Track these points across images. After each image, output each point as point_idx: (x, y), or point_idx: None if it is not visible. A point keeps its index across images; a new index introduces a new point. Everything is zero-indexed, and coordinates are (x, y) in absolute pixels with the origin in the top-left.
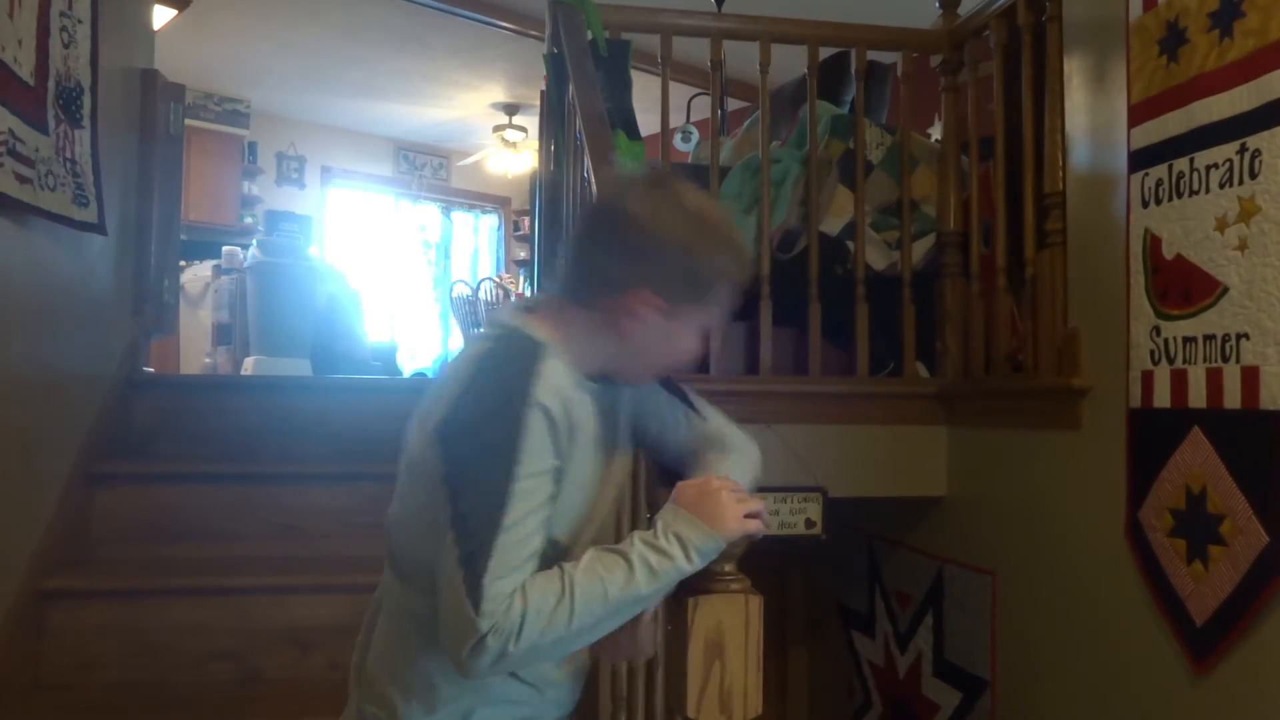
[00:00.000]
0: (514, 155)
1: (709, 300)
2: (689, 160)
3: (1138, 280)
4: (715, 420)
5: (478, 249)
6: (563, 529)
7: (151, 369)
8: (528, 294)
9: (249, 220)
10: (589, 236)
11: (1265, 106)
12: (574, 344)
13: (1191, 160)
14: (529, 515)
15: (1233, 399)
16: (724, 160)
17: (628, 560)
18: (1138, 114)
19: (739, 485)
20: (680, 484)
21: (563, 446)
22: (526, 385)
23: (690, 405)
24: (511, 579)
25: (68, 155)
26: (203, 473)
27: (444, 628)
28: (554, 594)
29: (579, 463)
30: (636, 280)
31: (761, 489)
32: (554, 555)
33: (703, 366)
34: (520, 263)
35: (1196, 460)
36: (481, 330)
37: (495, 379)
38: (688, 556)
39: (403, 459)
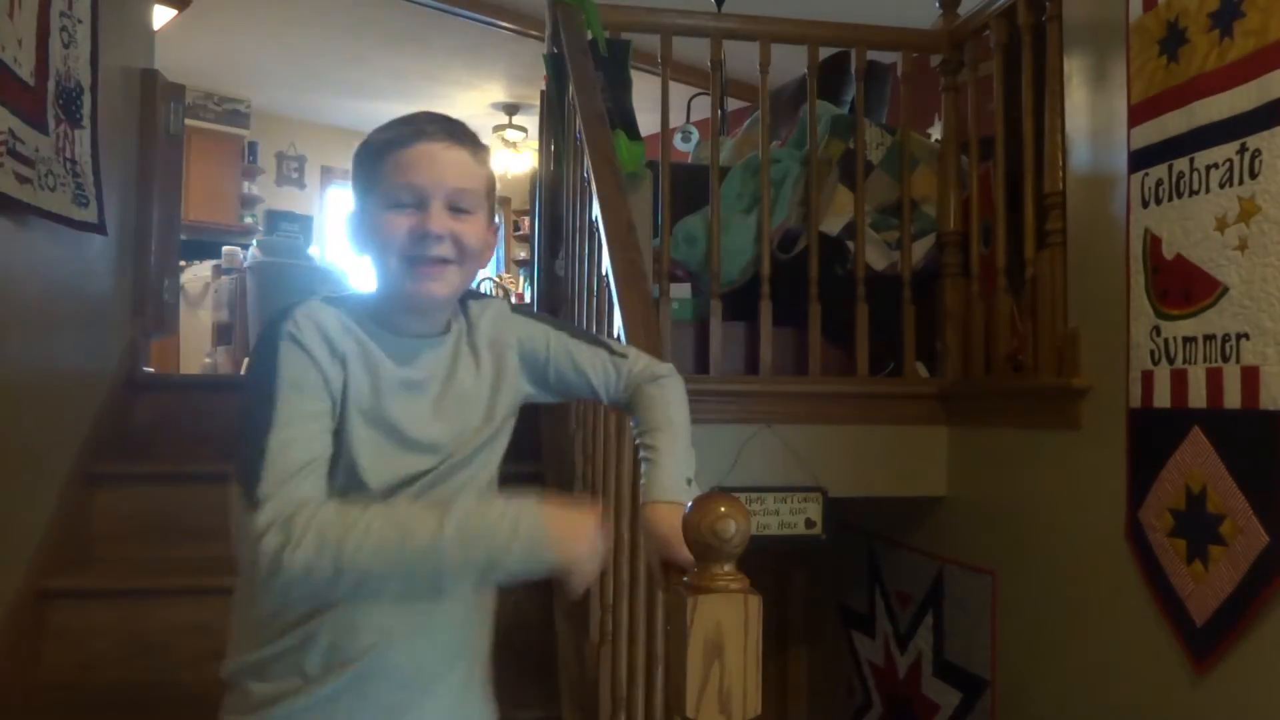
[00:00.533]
0: (514, 155)
1: (380, 181)
2: (689, 160)
3: (1138, 280)
4: (639, 361)
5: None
6: (372, 475)
7: (151, 369)
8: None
9: (249, 220)
10: None
11: (1265, 106)
12: (365, 297)
13: (1191, 160)
14: (295, 422)
15: (1233, 399)
16: (724, 160)
17: (444, 515)
18: (1138, 114)
19: (605, 535)
20: (556, 498)
21: (325, 367)
22: (281, 324)
23: (610, 350)
24: (288, 485)
25: (68, 155)
26: (203, 473)
27: (242, 546)
28: (347, 517)
29: (370, 397)
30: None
31: (762, 489)
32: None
33: (703, 366)
34: (520, 263)
35: (1196, 460)
36: None
37: (263, 330)
38: (509, 543)
39: None
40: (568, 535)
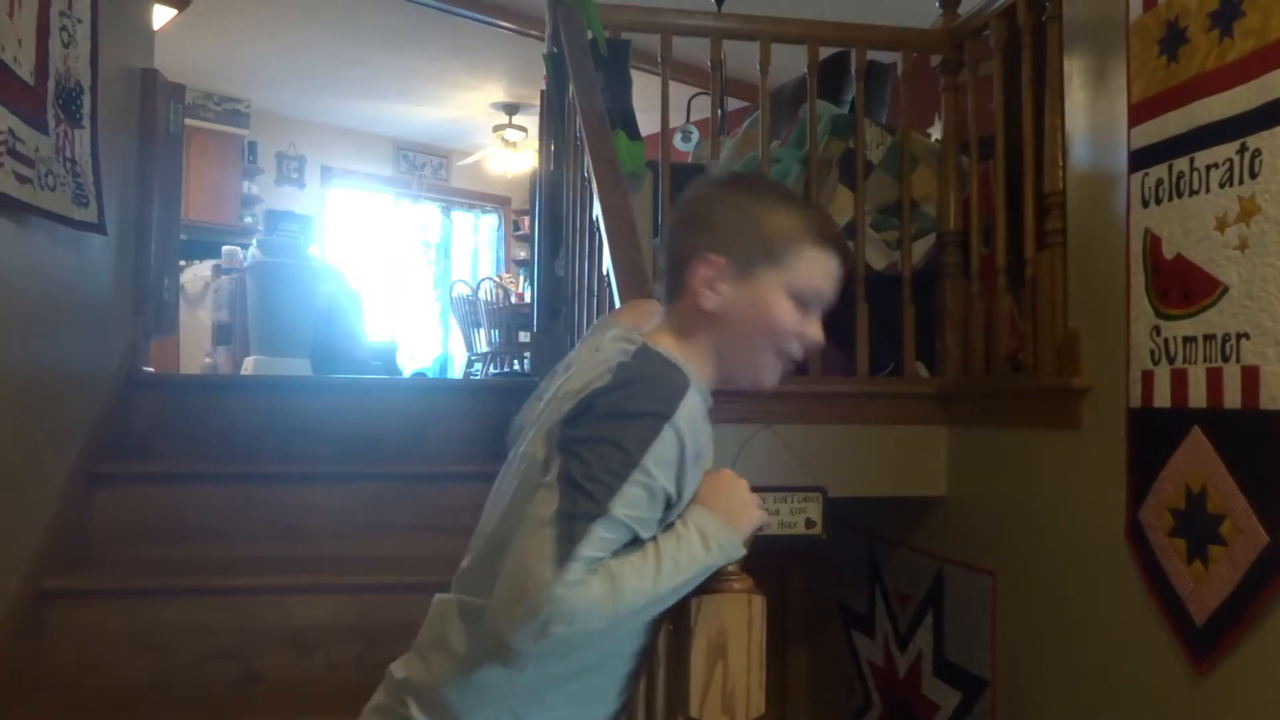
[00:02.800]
0: (514, 155)
1: (784, 262)
2: (689, 160)
3: (1138, 280)
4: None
5: (478, 249)
6: None
7: (151, 369)
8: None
9: (249, 220)
10: (666, 233)
11: (1265, 106)
12: (692, 357)
13: (1191, 160)
14: (630, 522)
15: (1233, 399)
16: (724, 160)
17: (656, 555)
18: (1138, 114)
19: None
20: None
21: (681, 476)
22: (672, 403)
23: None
24: (591, 562)
25: (68, 155)
26: (203, 473)
27: (505, 585)
28: (602, 584)
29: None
30: (699, 248)
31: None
32: None
33: None
34: (520, 262)
35: (1196, 460)
36: (600, 347)
37: (642, 385)
38: (707, 548)
39: (495, 498)
40: (733, 508)
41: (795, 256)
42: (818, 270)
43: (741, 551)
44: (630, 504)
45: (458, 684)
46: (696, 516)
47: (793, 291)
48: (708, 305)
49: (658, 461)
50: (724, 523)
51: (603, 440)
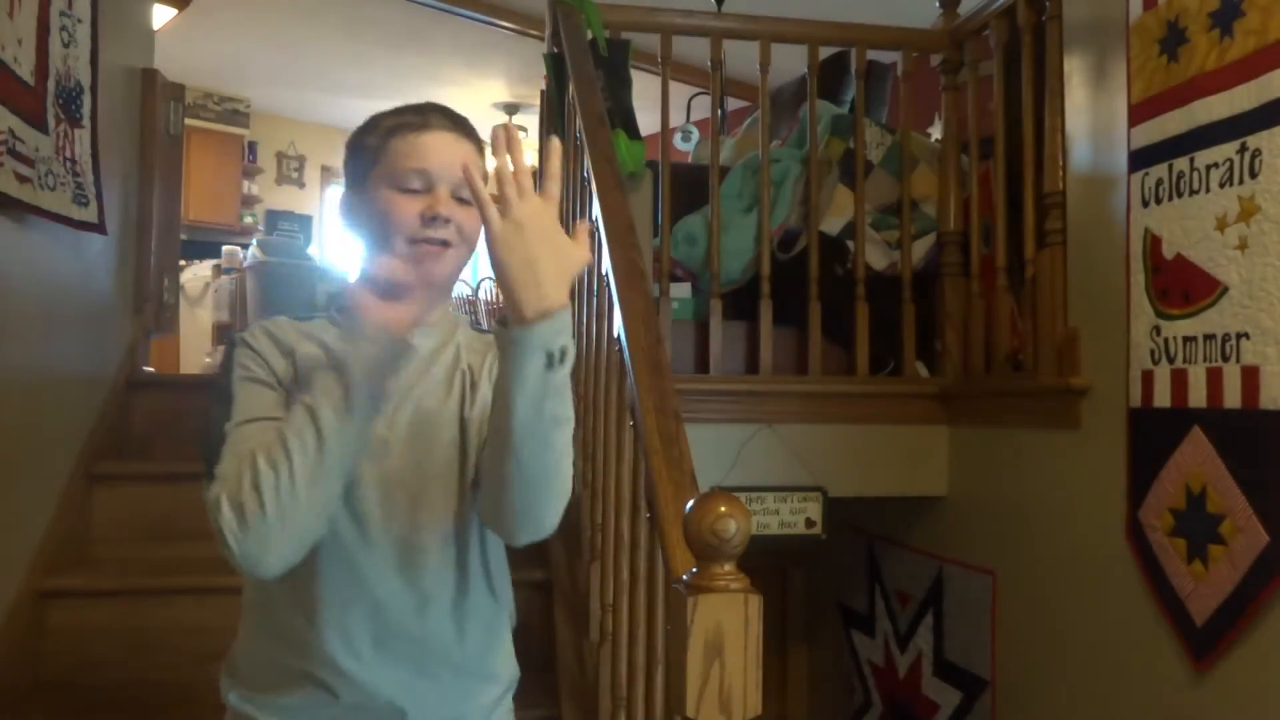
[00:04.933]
0: None
1: (383, 162)
2: (689, 160)
3: (1138, 280)
4: None
5: (478, 248)
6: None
7: (151, 369)
8: None
9: (249, 220)
10: None
11: (1265, 106)
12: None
13: (1192, 160)
14: (253, 416)
15: (1233, 398)
16: (724, 160)
17: (309, 398)
18: (1138, 113)
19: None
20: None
21: (276, 365)
22: (235, 336)
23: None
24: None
25: (68, 155)
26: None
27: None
28: (242, 456)
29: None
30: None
31: (762, 489)
32: None
33: (703, 366)
34: None
35: (1196, 460)
36: None
37: (225, 348)
38: (359, 372)
39: None
40: (380, 315)
41: (387, 152)
42: (409, 154)
43: (390, 348)
44: (244, 406)
45: None
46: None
47: (392, 182)
48: (348, 230)
49: (242, 363)
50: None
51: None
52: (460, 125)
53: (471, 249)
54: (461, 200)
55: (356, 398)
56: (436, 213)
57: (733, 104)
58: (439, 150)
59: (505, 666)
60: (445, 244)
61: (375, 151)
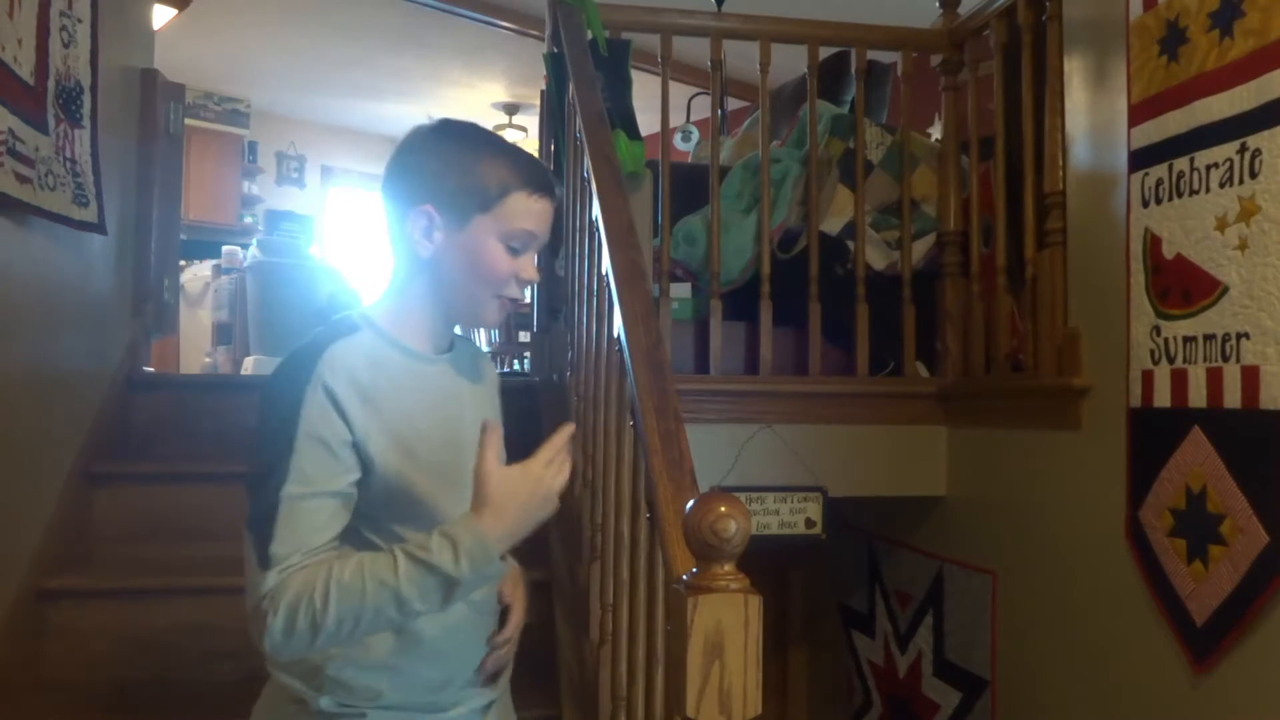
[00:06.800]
0: None
1: (494, 209)
2: (689, 160)
3: (1138, 280)
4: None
5: None
6: (400, 520)
7: (151, 369)
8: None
9: (249, 220)
10: (381, 193)
11: (1265, 106)
12: (401, 308)
13: (1192, 160)
14: (314, 490)
15: (1233, 398)
16: (724, 160)
17: (394, 559)
18: (1138, 113)
19: (551, 457)
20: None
21: (355, 418)
22: (312, 365)
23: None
24: (294, 549)
25: (68, 155)
26: (203, 473)
27: (247, 593)
28: (313, 578)
29: (392, 439)
30: (417, 200)
31: (762, 489)
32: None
33: (703, 366)
34: None
35: (1197, 460)
36: None
37: (288, 363)
38: (456, 564)
39: None
40: (509, 521)
41: (505, 203)
42: (527, 215)
43: (499, 561)
44: (305, 471)
45: None
46: (456, 527)
47: (503, 236)
48: (424, 254)
49: (310, 420)
50: (487, 536)
51: (260, 435)
52: (556, 193)
53: None
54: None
55: (454, 601)
56: (531, 278)
57: (733, 104)
58: (547, 219)
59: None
60: (516, 301)
61: (489, 197)
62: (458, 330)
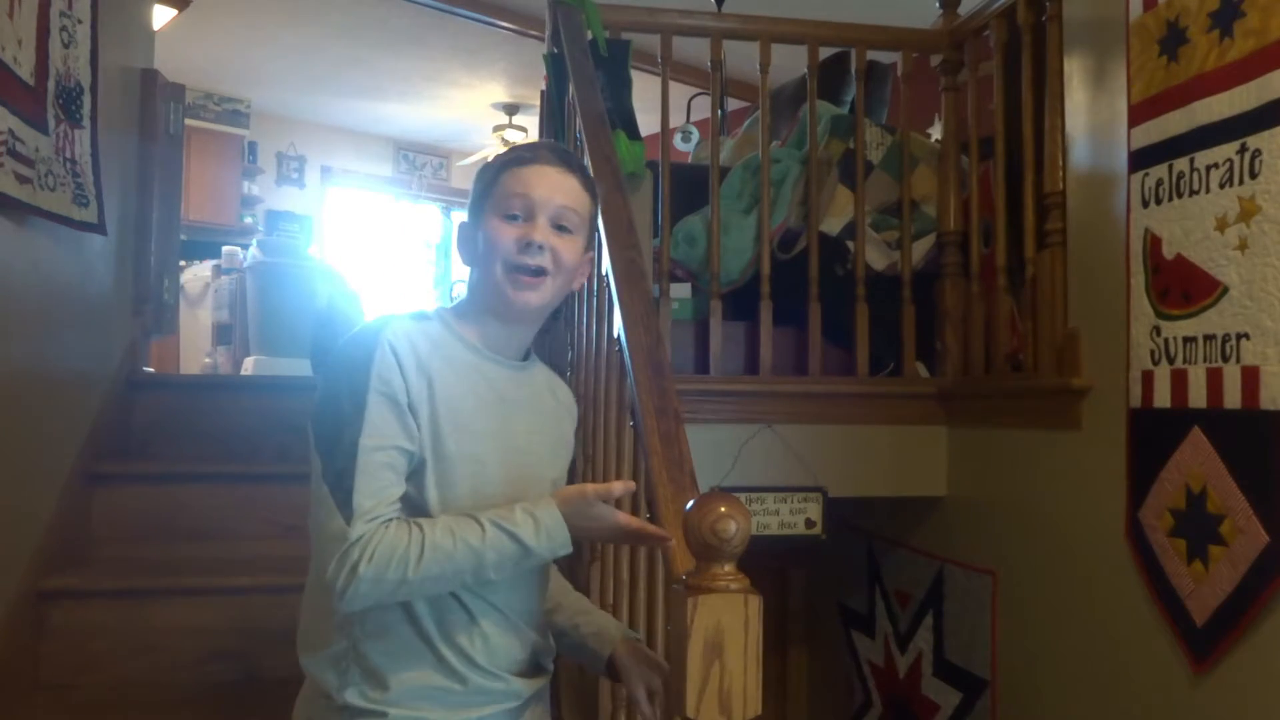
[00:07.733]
0: None
1: (495, 193)
2: (689, 160)
3: (1138, 280)
4: None
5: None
6: (460, 505)
7: (151, 369)
8: None
9: (249, 220)
10: None
11: (1265, 106)
12: (462, 309)
13: (1192, 160)
14: (387, 444)
15: (1233, 399)
16: (724, 160)
17: (479, 523)
18: (1138, 114)
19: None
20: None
21: (411, 381)
22: (381, 330)
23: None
24: (378, 501)
25: (68, 155)
26: (203, 473)
27: (321, 552)
28: (408, 534)
29: (434, 415)
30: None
31: (762, 489)
32: None
33: (703, 366)
34: None
35: (1197, 460)
36: None
37: (359, 332)
38: (535, 538)
39: None
40: (583, 523)
41: (498, 185)
42: (515, 181)
43: (567, 548)
44: (378, 428)
45: None
46: (539, 506)
47: (500, 211)
48: (465, 260)
49: (380, 373)
50: (564, 525)
51: (330, 397)
52: (566, 160)
53: (569, 280)
54: (562, 229)
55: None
56: (532, 239)
57: (733, 104)
58: (542, 181)
59: None
60: (541, 272)
61: (488, 185)
62: (527, 347)
